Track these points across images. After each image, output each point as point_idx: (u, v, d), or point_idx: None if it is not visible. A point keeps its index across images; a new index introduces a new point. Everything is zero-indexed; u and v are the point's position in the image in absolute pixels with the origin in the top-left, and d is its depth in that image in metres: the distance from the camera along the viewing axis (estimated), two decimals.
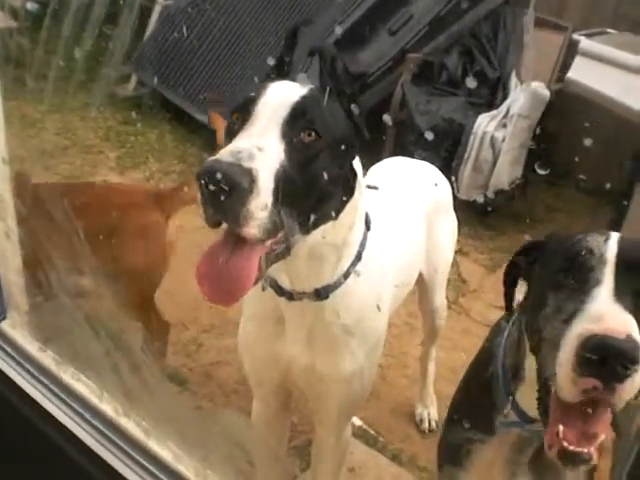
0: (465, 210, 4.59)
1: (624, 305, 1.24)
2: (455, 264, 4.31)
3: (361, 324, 1.83)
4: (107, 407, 1.42)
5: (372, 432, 3.01)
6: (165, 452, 1.33)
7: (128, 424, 1.38)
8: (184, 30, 5.29)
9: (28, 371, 1.51)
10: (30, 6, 5.07)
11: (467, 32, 5.26)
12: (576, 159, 4.18)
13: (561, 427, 1.28)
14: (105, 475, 1.34)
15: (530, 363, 1.46)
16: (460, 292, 4.04)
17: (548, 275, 1.39)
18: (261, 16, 5.39)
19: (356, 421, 3.02)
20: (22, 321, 1.69)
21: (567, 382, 1.22)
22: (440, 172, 2.76)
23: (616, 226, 4.04)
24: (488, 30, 5.18)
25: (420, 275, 2.60)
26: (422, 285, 2.72)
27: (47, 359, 1.52)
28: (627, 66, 4.08)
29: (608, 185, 4.59)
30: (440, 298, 2.86)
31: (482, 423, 1.65)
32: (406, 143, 4.92)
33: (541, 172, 4.21)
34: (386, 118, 4.90)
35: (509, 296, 1.60)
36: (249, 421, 2.36)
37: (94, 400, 1.43)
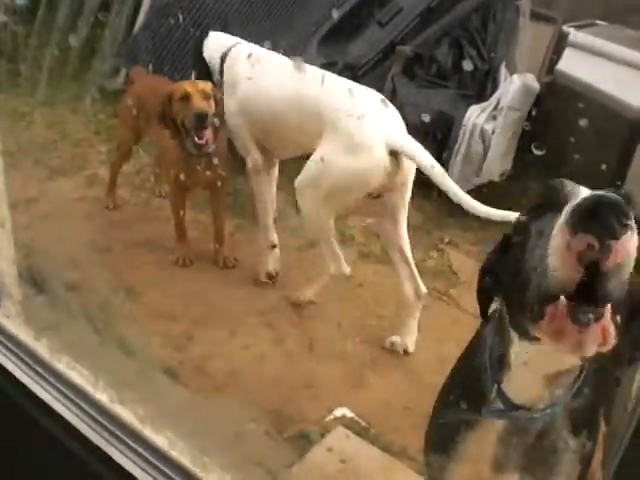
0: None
1: None
2: (445, 255, 4.34)
3: None
4: (102, 395, 1.42)
5: (363, 423, 3.02)
6: (161, 439, 1.33)
7: (123, 412, 1.39)
8: (180, 18, 5.27)
9: (23, 360, 1.51)
10: (19, 1, 5.07)
11: (457, 24, 5.27)
12: (566, 151, 4.21)
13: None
14: (100, 463, 1.34)
15: (515, 349, 1.45)
16: (450, 283, 4.05)
17: (524, 227, 1.34)
18: (254, 2, 5.38)
19: (347, 413, 3.04)
20: (16, 310, 1.69)
21: (560, 253, 1.15)
22: None
23: None
24: (478, 22, 5.19)
25: None
26: None
27: (42, 348, 1.52)
28: (617, 58, 4.11)
29: (598, 176, 4.62)
30: None
31: (470, 411, 1.62)
32: None
33: (537, 153, 4.23)
34: None
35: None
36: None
37: (89, 388, 1.44)
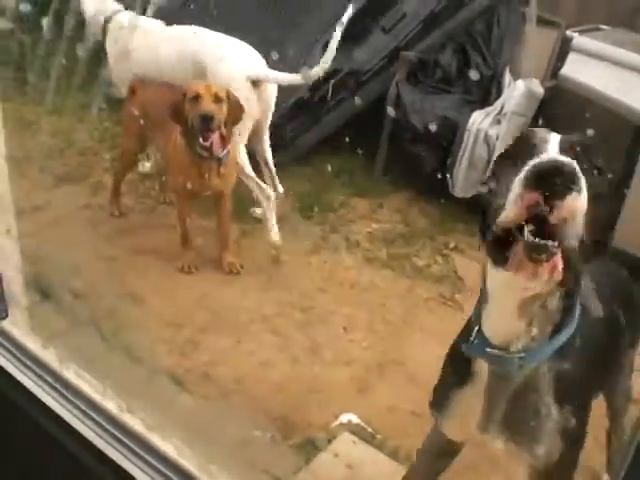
0: (460, 207, 4.61)
1: None
2: (451, 261, 4.34)
3: None
4: (110, 403, 1.43)
5: (369, 429, 3.02)
6: (168, 447, 1.34)
7: (131, 420, 1.39)
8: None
9: (30, 369, 1.51)
10: (23, 7, 5.08)
11: (461, 29, 5.28)
12: None
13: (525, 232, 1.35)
14: (108, 471, 1.35)
15: (490, 278, 1.55)
16: (456, 288, 4.05)
17: (501, 175, 1.48)
18: (262, 7, 5.37)
19: (353, 418, 3.03)
20: (23, 318, 1.69)
21: (514, 200, 1.33)
22: None
23: (611, 220, 4.05)
24: (482, 27, 5.19)
25: None
26: None
27: (49, 356, 1.53)
28: (621, 62, 4.10)
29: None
30: None
31: (461, 369, 1.72)
32: (401, 141, 4.93)
33: None
34: (390, 110, 4.93)
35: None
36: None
37: (97, 397, 1.44)
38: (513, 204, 1.33)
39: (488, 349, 1.59)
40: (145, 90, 4.34)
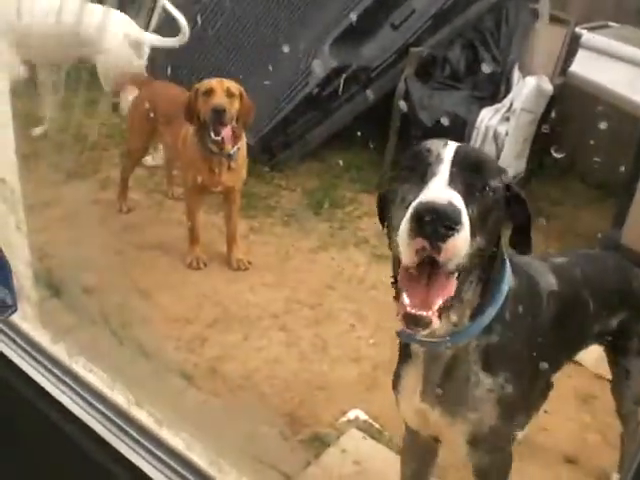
0: None
1: (455, 191, 1.43)
2: None
3: None
4: (119, 397, 1.43)
5: (377, 425, 3.02)
6: (177, 441, 1.34)
7: (140, 414, 1.39)
8: (198, 20, 5.29)
9: (40, 362, 1.51)
10: None
11: (470, 26, 5.27)
12: (579, 153, 4.20)
13: (405, 294, 1.46)
14: (118, 464, 1.35)
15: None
16: None
17: (396, 178, 1.58)
18: (272, 3, 5.38)
19: (361, 415, 3.03)
20: (33, 313, 1.70)
21: (404, 247, 1.40)
22: None
23: (621, 218, 4.05)
24: (491, 24, 5.18)
25: None
26: None
27: (59, 350, 1.53)
28: (630, 59, 4.08)
29: (612, 178, 4.60)
30: None
31: (406, 350, 1.88)
32: (410, 137, 4.93)
33: (557, 155, 4.22)
34: (402, 104, 4.92)
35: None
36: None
37: (106, 391, 1.44)
38: (403, 247, 1.41)
39: (417, 336, 1.67)
40: (150, 87, 4.35)
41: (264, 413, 3.00)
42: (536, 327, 1.88)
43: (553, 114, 4.77)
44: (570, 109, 4.87)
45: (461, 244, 1.38)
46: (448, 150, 1.51)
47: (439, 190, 1.41)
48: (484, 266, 1.60)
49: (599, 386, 3.12)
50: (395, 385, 1.95)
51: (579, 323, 2.16)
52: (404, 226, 1.38)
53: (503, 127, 4.67)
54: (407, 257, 1.41)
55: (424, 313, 1.44)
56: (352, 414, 3.05)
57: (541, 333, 1.89)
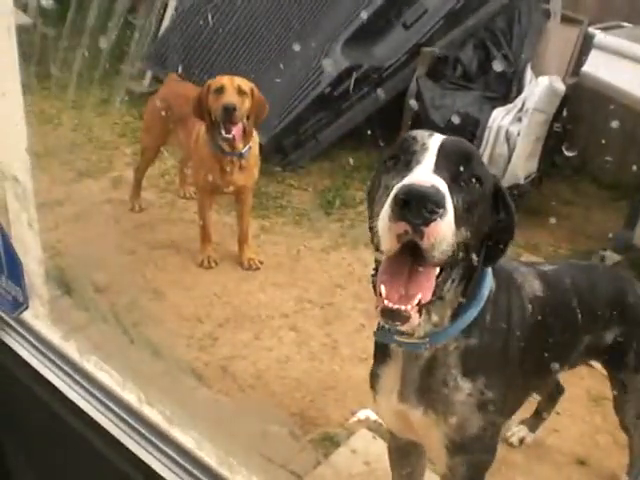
0: None
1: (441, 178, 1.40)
2: None
3: None
4: (130, 396, 1.43)
5: (380, 421, 3.02)
6: (188, 440, 1.34)
7: (151, 412, 1.39)
8: (209, 18, 5.30)
9: (51, 360, 1.52)
10: (44, 2, 5.11)
11: (482, 26, 5.26)
12: (591, 153, 4.17)
13: (383, 287, 1.42)
14: (128, 463, 1.35)
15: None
16: None
17: (380, 169, 1.57)
18: (285, 2, 5.39)
19: (371, 415, 3.03)
20: (45, 311, 1.70)
21: (385, 231, 1.37)
22: None
23: (633, 219, 4.04)
24: (503, 24, 5.17)
25: None
26: None
27: (70, 348, 1.53)
28: None
29: (623, 179, 4.59)
30: None
31: (383, 349, 1.83)
32: None
33: (570, 154, 4.23)
34: (412, 103, 4.91)
35: None
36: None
37: (117, 389, 1.45)
38: (384, 233, 1.38)
39: (395, 336, 1.66)
40: (170, 86, 4.37)
41: (274, 412, 3.01)
42: (518, 332, 1.83)
43: (565, 114, 4.76)
44: (582, 109, 4.86)
45: (445, 230, 1.35)
46: (434, 140, 1.51)
47: (424, 174, 1.40)
48: (467, 265, 1.56)
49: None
50: (372, 384, 1.91)
51: (567, 332, 2.11)
52: (386, 210, 1.36)
53: (515, 127, 4.66)
54: (387, 242, 1.37)
55: (402, 307, 1.41)
56: (362, 414, 3.05)
57: (523, 338, 1.84)
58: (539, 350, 1.96)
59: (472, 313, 1.67)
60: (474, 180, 1.49)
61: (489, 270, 1.70)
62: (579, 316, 2.08)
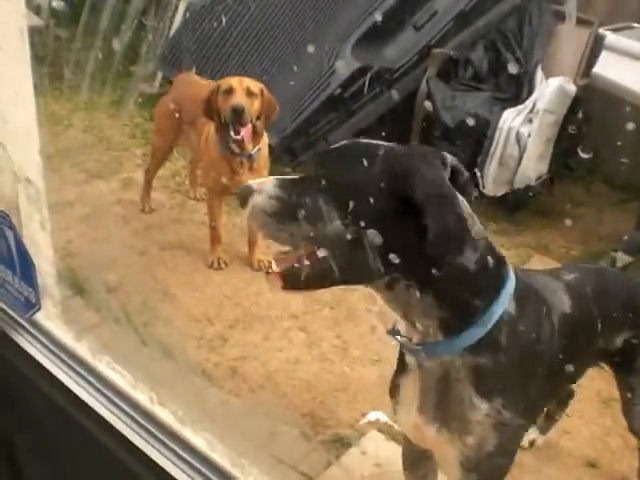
0: (491, 206, 4.58)
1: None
2: None
3: None
4: (142, 396, 1.43)
5: (397, 428, 3.01)
6: (200, 441, 1.34)
7: (163, 413, 1.39)
8: (220, 18, 5.31)
9: (63, 360, 1.52)
10: (56, 4, 5.13)
11: (492, 27, 5.25)
12: (603, 154, 4.16)
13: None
14: (140, 463, 1.35)
15: None
16: None
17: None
18: (296, 3, 5.39)
19: (381, 417, 3.03)
20: (56, 311, 1.71)
21: None
22: None
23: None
24: (514, 25, 5.16)
25: None
26: None
27: (82, 349, 1.54)
28: None
29: (635, 180, 4.57)
30: None
31: (402, 360, 1.84)
32: (432, 138, 4.91)
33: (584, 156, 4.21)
34: (427, 104, 4.91)
35: None
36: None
37: (129, 389, 1.45)
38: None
39: (398, 336, 1.71)
40: (181, 86, 4.37)
41: (285, 413, 3.01)
42: (542, 355, 1.78)
43: (576, 115, 4.75)
44: (593, 110, 4.84)
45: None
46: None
47: None
48: (416, 274, 1.53)
49: None
50: (392, 394, 1.90)
51: (588, 342, 2.10)
52: None
53: (526, 128, 4.65)
54: None
55: None
56: (373, 416, 3.04)
57: (548, 359, 1.80)
58: (562, 366, 1.92)
59: (476, 332, 1.61)
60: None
61: (506, 291, 1.63)
62: (599, 325, 2.06)
